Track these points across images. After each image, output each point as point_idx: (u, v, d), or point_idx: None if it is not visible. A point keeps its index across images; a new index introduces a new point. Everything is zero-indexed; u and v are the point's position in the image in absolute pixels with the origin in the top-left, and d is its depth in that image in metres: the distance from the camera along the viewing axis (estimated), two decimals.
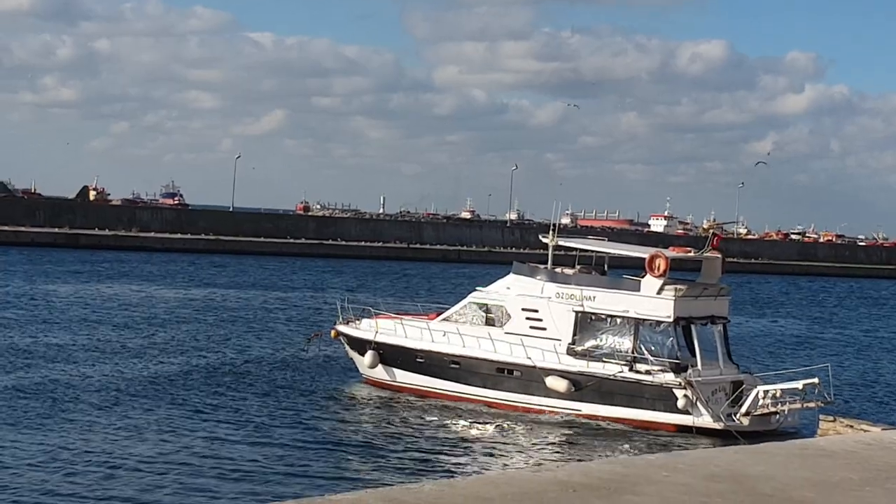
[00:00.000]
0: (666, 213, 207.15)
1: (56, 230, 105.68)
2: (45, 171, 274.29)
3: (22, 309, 54.28)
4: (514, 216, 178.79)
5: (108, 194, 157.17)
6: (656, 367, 33.35)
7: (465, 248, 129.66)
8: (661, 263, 34.04)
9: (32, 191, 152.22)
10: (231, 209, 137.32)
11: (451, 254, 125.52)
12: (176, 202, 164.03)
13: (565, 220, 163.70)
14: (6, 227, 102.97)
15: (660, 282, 33.91)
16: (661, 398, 32.92)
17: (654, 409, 33.02)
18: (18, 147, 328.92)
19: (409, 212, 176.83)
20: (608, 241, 42.41)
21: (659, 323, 33.91)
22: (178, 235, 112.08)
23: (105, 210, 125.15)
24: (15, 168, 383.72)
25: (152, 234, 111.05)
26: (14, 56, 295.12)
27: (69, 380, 35.66)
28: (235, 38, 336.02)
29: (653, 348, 33.82)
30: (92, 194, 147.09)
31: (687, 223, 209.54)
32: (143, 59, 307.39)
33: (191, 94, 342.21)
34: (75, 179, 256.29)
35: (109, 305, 58.52)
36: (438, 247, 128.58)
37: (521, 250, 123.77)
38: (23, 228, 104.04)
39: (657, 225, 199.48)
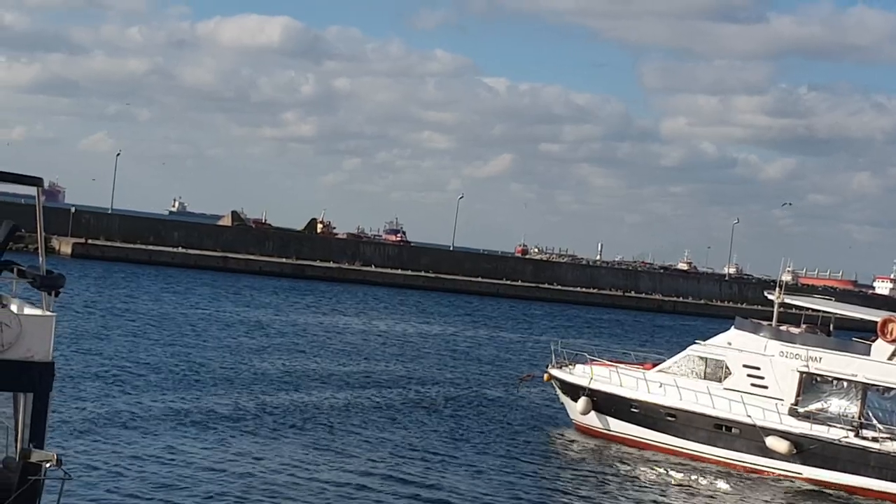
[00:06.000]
0: (893, 276, 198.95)
1: (284, 260, 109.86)
2: (278, 202, 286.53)
3: (252, 335, 56.74)
4: (732, 270, 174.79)
5: (334, 228, 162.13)
6: (884, 435, 32.14)
7: (681, 299, 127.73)
8: (894, 328, 32.90)
9: (263, 221, 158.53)
10: (451, 248, 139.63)
11: (666, 304, 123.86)
12: (399, 238, 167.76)
13: (786, 278, 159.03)
14: (238, 255, 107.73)
15: (892, 347, 32.79)
16: (889, 467, 31.70)
17: (881, 478, 31.84)
18: (255, 178, 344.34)
19: (647, 263, 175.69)
20: (834, 301, 41.08)
21: (889, 389, 32.74)
22: (400, 271, 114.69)
23: (330, 243, 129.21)
24: (249, 198, 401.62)
25: (375, 269, 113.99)
26: (260, 92, 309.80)
27: (283, 402, 37.03)
28: (471, 81, 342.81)
29: (881, 415, 32.68)
30: (319, 227, 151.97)
31: None
32: (381, 99, 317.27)
33: (424, 134, 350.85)
34: (304, 211, 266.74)
35: (330, 335, 60.40)
36: (654, 297, 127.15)
37: (740, 305, 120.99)
38: (253, 257, 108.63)
39: (882, 287, 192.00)
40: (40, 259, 14.90)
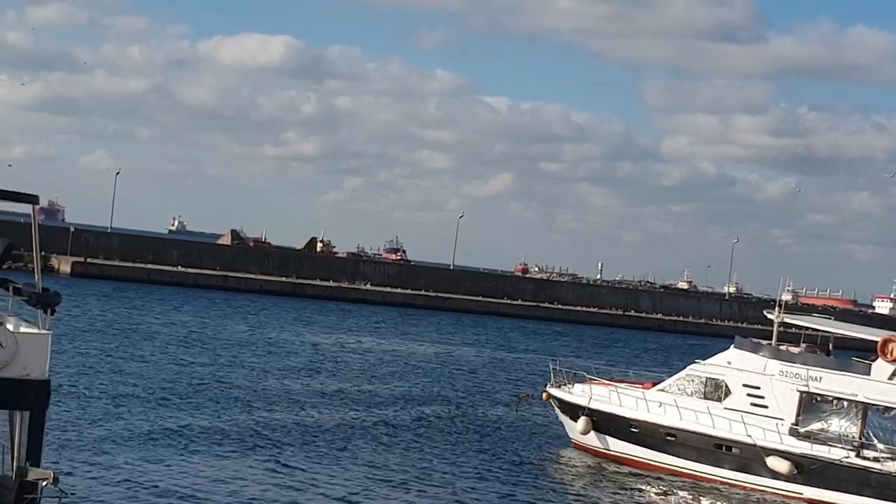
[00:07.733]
0: (892, 296, 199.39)
1: (284, 279, 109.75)
2: (277, 221, 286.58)
3: (251, 354, 56.64)
4: (732, 289, 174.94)
5: (334, 246, 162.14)
6: (885, 455, 32.05)
7: (681, 318, 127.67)
8: (894, 348, 32.86)
9: (263, 240, 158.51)
10: (451, 267, 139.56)
11: (666, 323, 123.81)
12: (398, 257, 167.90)
13: (787, 297, 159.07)
14: (238, 274, 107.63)
15: (892, 367, 32.74)
16: (890, 487, 31.60)
17: (882, 498, 31.76)
18: (255, 197, 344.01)
19: (648, 282, 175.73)
20: (833, 320, 41.03)
21: (889, 409, 32.67)
22: (399, 290, 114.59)
23: (330, 262, 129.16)
24: (249, 217, 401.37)
25: (374, 288, 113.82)
26: (261, 111, 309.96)
27: (281, 421, 36.92)
28: (472, 101, 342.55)
29: (881, 434, 32.62)
30: (319, 246, 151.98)
31: None
32: (382, 118, 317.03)
33: (424, 153, 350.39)
34: (304, 230, 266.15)
35: (329, 354, 60.29)
36: (654, 316, 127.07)
37: (739, 324, 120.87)
38: (253, 276, 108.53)
39: (882, 307, 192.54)
40: (36, 277, 14.86)
